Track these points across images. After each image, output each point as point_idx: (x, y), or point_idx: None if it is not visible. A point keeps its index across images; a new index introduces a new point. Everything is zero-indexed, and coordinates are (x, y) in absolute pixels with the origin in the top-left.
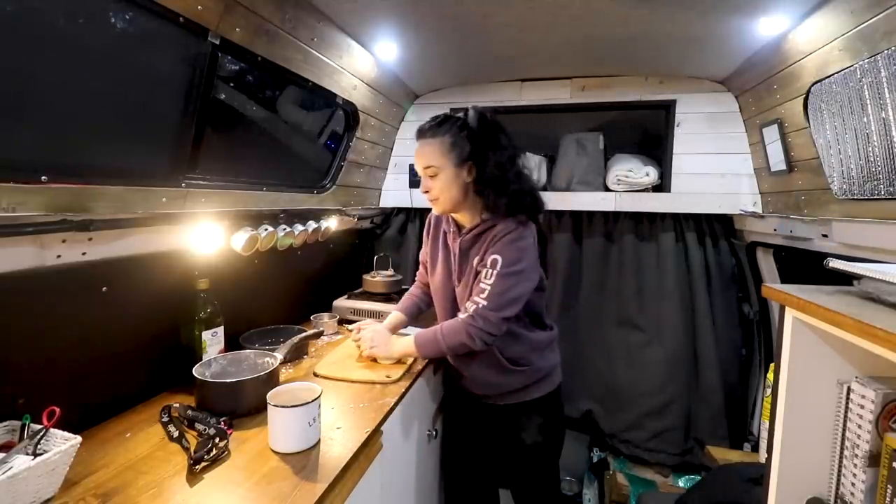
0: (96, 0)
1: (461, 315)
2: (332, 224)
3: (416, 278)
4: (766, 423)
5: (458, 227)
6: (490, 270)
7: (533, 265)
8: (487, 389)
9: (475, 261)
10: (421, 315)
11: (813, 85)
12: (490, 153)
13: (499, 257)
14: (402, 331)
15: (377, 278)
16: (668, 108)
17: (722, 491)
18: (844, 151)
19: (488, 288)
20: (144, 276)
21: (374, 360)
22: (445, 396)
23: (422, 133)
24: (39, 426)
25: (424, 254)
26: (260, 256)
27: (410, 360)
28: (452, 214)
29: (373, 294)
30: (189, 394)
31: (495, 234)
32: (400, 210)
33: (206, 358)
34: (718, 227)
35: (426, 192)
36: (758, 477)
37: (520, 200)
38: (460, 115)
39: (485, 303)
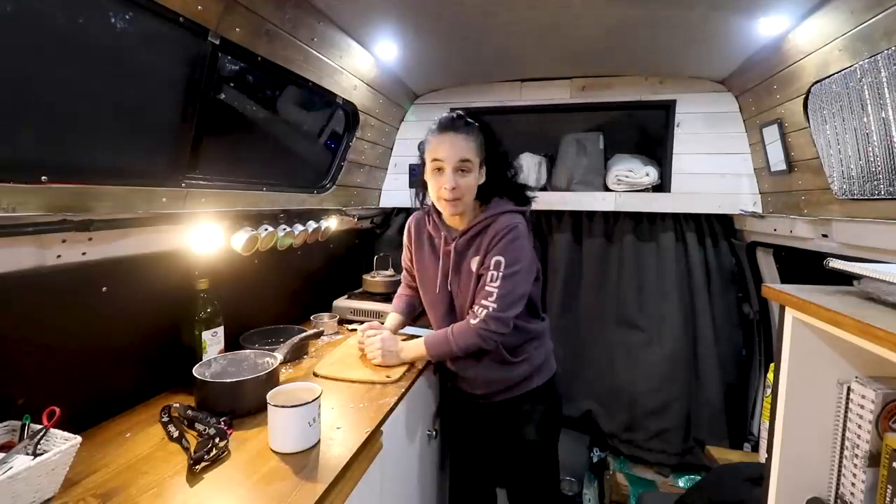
0: (96, 0)
1: (472, 321)
2: (332, 224)
3: (403, 282)
4: (766, 423)
5: (448, 230)
6: (494, 273)
7: (531, 259)
8: (490, 387)
9: (474, 263)
10: (415, 313)
11: (813, 85)
12: (496, 157)
13: (501, 258)
14: (402, 330)
15: (377, 278)
16: (668, 108)
17: (722, 491)
18: (844, 151)
19: (495, 290)
20: (144, 276)
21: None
22: (442, 399)
23: (454, 126)
24: (39, 426)
25: (408, 261)
26: (260, 256)
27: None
28: (447, 218)
29: (373, 294)
30: (189, 394)
31: (493, 234)
32: (400, 210)
33: (206, 358)
34: (718, 227)
35: (454, 188)
36: (758, 477)
37: (519, 192)
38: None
39: (494, 305)
